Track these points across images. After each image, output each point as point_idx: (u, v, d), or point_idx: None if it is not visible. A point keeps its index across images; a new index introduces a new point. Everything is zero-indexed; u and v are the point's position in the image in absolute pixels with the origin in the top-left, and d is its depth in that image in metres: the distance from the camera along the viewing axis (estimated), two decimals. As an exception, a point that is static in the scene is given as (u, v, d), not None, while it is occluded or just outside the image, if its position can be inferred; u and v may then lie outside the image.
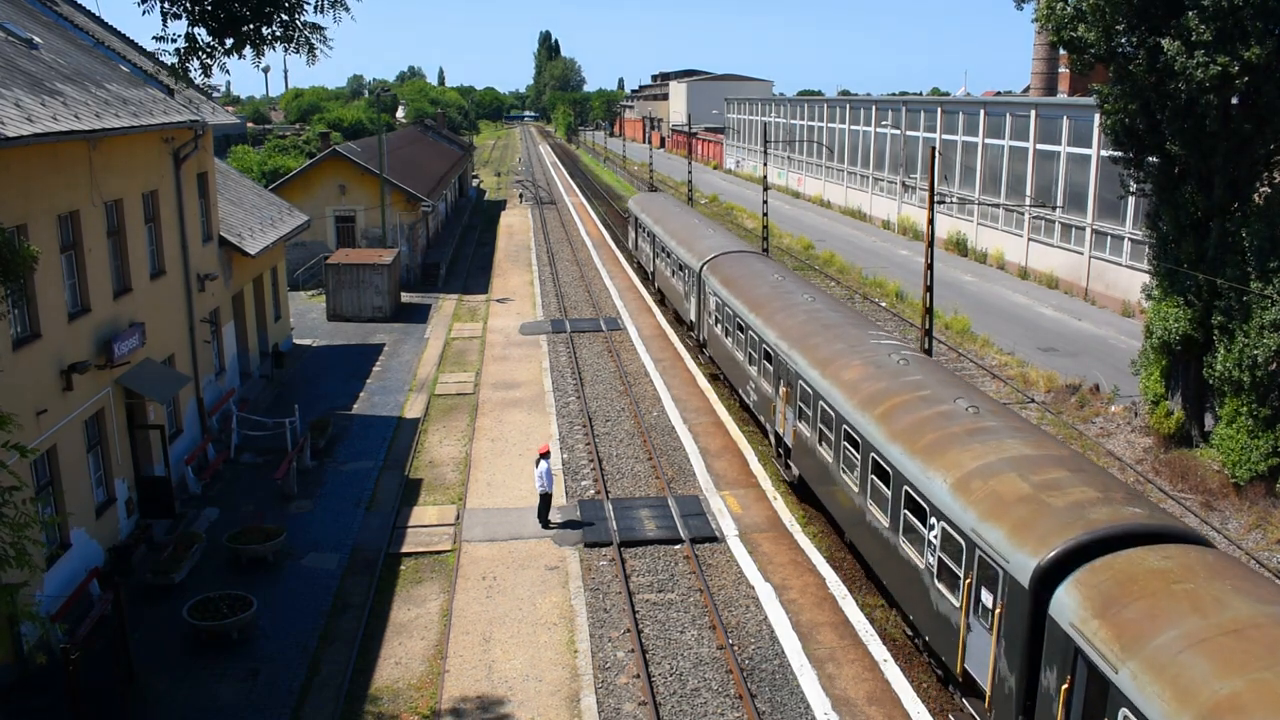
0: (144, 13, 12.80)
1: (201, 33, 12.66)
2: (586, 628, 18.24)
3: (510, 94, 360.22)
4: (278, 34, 13.01)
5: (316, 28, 13.43)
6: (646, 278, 50.24)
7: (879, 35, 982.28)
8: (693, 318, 36.59)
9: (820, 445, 20.99)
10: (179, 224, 25.31)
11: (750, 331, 27.02)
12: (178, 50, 12.50)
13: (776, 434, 24.86)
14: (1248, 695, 9.85)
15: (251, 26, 12.69)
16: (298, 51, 13.34)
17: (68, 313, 19.21)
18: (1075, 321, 41.72)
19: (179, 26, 12.62)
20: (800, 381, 22.27)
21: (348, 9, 13.35)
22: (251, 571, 20.28)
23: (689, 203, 73.28)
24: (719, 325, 31.40)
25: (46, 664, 15.26)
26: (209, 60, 12.74)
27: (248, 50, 12.99)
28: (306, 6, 13.12)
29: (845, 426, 19.28)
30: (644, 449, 27.25)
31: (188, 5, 12.44)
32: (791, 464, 23.64)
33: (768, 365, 25.27)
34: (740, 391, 28.98)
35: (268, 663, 17.18)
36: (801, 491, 23.53)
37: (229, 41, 12.74)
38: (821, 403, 20.76)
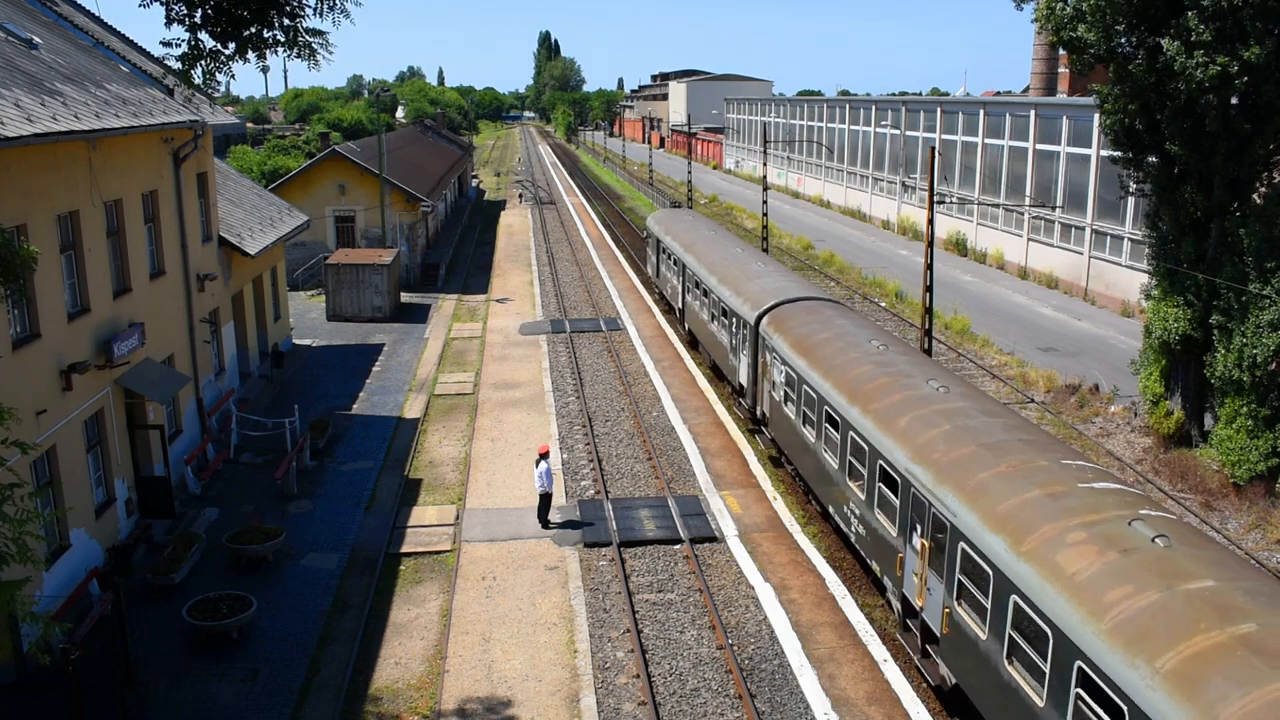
0: (142, 4, 12.76)
1: (205, 37, 12.68)
2: (586, 628, 18.25)
3: (510, 94, 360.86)
4: (280, 38, 13.03)
5: (319, 33, 13.48)
6: (670, 310, 43.08)
7: (879, 35, 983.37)
8: (742, 380, 28.38)
9: (1011, 664, 13.06)
10: (179, 224, 25.31)
11: (852, 433, 18.89)
12: (182, 56, 12.52)
13: (905, 600, 17.00)
14: None
15: (254, 30, 12.71)
16: (299, 56, 13.35)
17: (67, 313, 19.21)
18: (1075, 321, 41.73)
19: (181, 30, 12.54)
20: (964, 545, 14.22)
21: (347, 14, 13.36)
22: (251, 571, 20.28)
23: (690, 203, 73.22)
24: (790, 406, 23.24)
25: (49, 664, 15.28)
26: (214, 65, 12.76)
27: (250, 54, 13.00)
28: (307, 10, 13.14)
29: (1081, 666, 11.38)
30: (644, 449, 27.25)
31: (189, 9, 12.44)
32: (941, 661, 15.56)
33: (888, 494, 17.31)
34: (830, 509, 20.81)
35: (267, 663, 17.18)
36: (954, 705, 15.83)
37: (232, 46, 12.75)
38: (1016, 599, 12.81)
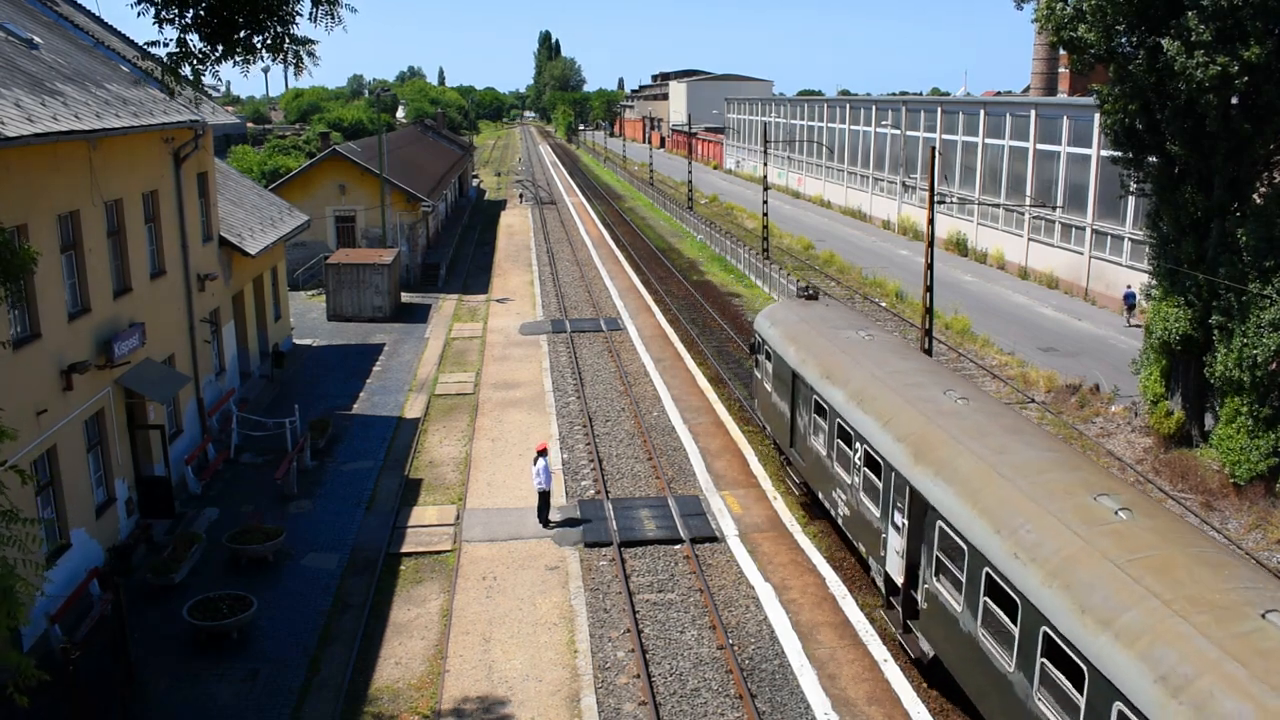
0: (139, 15, 12.81)
1: (194, 39, 12.66)
2: (586, 628, 18.25)
3: (510, 94, 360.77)
4: (269, 43, 13.04)
5: (306, 41, 13.52)
6: (830, 522, 21.85)
7: (879, 35, 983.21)
8: None
9: None
10: (179, 224, 25.31)
11: None
12: (169, 55, 12.52)
13: None
14: None
15: (244, 34, 12.70)
16: (285, 63, 13.35)
17: (68, 313, 19.21)
18: (1075, 321, 41.73)
19: (172, 31, 12.55)
20: None
21: (340, 21, 13.36)
22: (251, 571, 20.27)
23: (688, 207, 72.92)
24: None
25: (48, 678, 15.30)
26: (200, 66, 12.76)
27: (237, 58, 13.01)
28: (300, 16, 13.15)
29: None
30: (644, 449, 27.25)
31: (180, 10, 12.43)
32: None
33: None
34: None
35: (268, 663, 17.18)
36: None
37: (220, 49, 12.75)
38: None
